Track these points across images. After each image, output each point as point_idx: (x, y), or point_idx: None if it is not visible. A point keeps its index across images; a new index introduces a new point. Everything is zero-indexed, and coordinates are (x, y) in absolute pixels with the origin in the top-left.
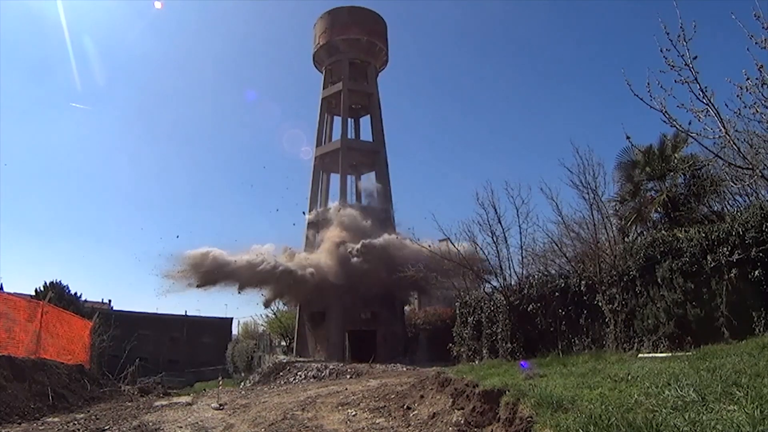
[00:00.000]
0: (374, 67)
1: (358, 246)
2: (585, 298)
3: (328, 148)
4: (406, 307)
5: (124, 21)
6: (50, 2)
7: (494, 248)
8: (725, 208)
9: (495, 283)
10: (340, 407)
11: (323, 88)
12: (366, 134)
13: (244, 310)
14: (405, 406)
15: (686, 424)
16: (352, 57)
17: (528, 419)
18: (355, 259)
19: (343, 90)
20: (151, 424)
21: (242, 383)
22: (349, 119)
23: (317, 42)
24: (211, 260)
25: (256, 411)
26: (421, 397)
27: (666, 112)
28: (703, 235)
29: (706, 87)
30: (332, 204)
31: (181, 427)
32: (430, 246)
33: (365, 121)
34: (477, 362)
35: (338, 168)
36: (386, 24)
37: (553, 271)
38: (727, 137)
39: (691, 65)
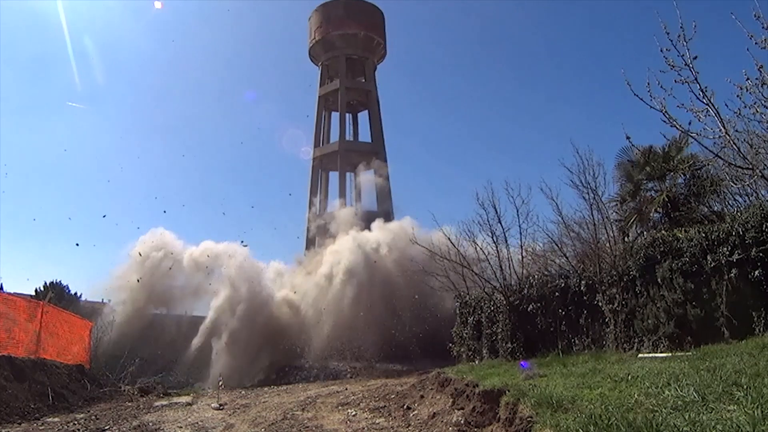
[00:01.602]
0: (372, 61)
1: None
2: (585, 298)
3: (326, 149)
4: None
5: (124, 21)
6: (50, 2)
7: (494, 248)
8: (725, 208)
9: (495, 283)
10: (340, 407)
11: (320, 86)
12: (364, 131)
13: None
14: (405, 406)
15: (686, 424)
16: (349, 53)
17: (528, 419)
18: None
19: (341, 88)
20: (151, 424)
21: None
22: (347, 115)
23: (313, 37)
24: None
25: (256, 411)
26: (421, 397)
27: (666, 112)
28: (703, 235)
29: (706, 87)
30: (330, 209)
31: (181, 427)
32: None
33: (363, 117)
34: (477, 362)
35: (337, 167)
36: (384, 15)
37: (553, 271)
38: (727, 137)
39: (691, 65)
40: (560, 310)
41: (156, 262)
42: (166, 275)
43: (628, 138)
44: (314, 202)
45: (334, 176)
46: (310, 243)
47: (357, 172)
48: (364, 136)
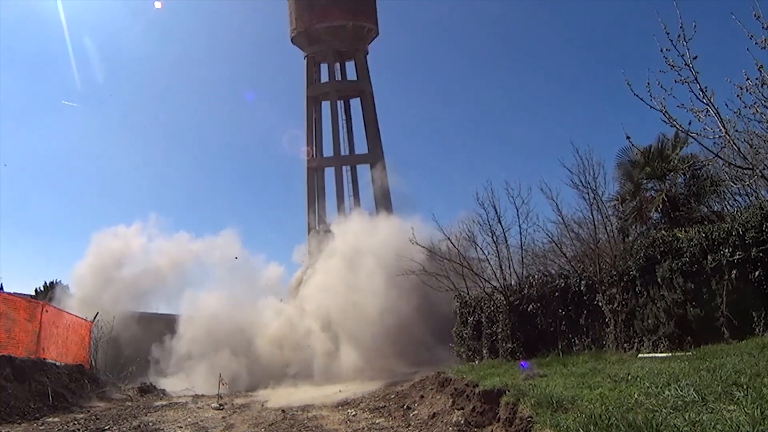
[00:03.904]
0: (364, 51)
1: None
2: (585, 298)
3: (322, 163)
4: None
5: (124, 21)
6: (50, 2)
7: (494, 248)
8: (725, 208)
9: (495, 283)
10: (340, 407)
11: (307, 81)
12: (359, 123)
13: None
14: (405, 406)
15: (686, 424)
16: (337, 46)
17: (528, 419)
18: None
19: (331, 93)
20: (151, 424)
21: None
22: (340, 109)
23: (294, 26)
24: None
25: (256, 411)
26: (421, 397)
27: (666, 112)
28: (703, 235)
29: (706, 87)
30: (330, 210)
31: (181, 427)
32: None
33: (357, 104)
34: (477, 362)
35: (333, 170)
36: None
37: (553, 271)
38: (727, 137)
39: (691, 65)
40: (560, 310)
41: (117, 258)
42: (139, 273)
43: (628, 138)
44: (313, 208)
45: (329, 172)
46: (312, 251)
47: (354, 175)
48: (359, 130)
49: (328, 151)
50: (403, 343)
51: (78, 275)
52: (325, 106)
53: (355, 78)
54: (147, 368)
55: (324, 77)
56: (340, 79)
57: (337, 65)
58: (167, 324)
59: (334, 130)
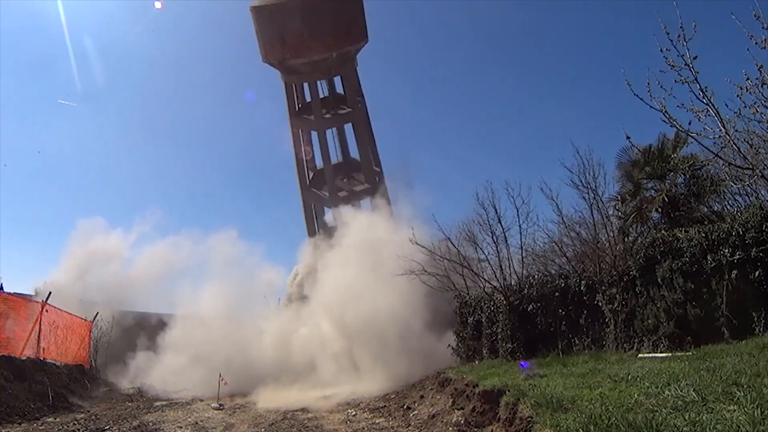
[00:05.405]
0: (352, 71)
1: None
2: (585, 298)
3: (317, 200)
4: None
5: (124, 21)
6: (50, 2)
7: (494, 248)
8: (725, 208)
9: (495, 283)
10: (340, 407)
11: (288, 110)
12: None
13: None
14: (405, 406)
15: (686, 424)
16: (318, 77)
17: (528, 419)
18: None
19: (318, 126)
20: (151, 424)
21: None
22: (333, 137)
23: (264, 53)
24: None
25: (256, 411)
26: (421, 397)
27: (666, 112)
28: (703, 235)
29: (706, 87)
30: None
31: (181, 427)
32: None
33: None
34: (477, 362)
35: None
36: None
37: (553, 271)
38: (727, 137)
39: (691, 65)
40: (560, 310)
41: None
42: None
43: (628, 138)
44: (312, 227)
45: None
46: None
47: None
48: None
49: (320, 162)
50: (412, 344)
51: (64, 273)
52: (313, 117)
53: (344, 92)
54: (144, 368)
55: (308, 91)
56: (327, 123)
57: (323, 81)
58: (163, 324)
59: (324, 157)
